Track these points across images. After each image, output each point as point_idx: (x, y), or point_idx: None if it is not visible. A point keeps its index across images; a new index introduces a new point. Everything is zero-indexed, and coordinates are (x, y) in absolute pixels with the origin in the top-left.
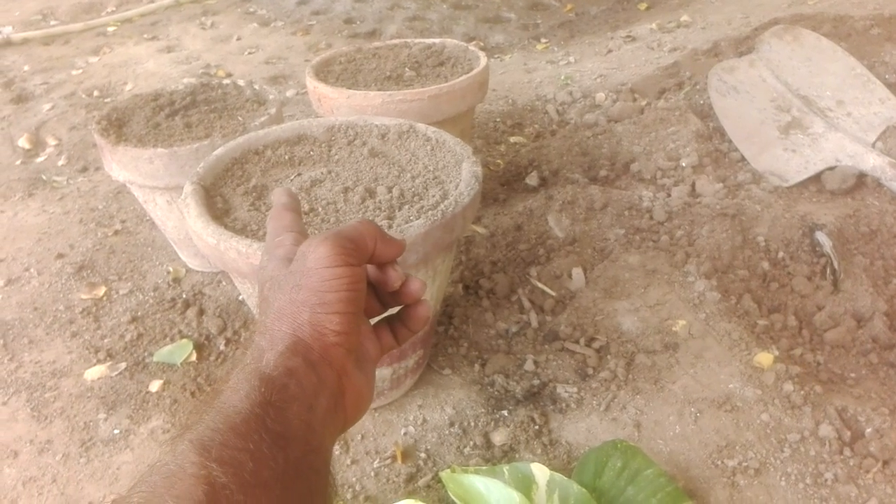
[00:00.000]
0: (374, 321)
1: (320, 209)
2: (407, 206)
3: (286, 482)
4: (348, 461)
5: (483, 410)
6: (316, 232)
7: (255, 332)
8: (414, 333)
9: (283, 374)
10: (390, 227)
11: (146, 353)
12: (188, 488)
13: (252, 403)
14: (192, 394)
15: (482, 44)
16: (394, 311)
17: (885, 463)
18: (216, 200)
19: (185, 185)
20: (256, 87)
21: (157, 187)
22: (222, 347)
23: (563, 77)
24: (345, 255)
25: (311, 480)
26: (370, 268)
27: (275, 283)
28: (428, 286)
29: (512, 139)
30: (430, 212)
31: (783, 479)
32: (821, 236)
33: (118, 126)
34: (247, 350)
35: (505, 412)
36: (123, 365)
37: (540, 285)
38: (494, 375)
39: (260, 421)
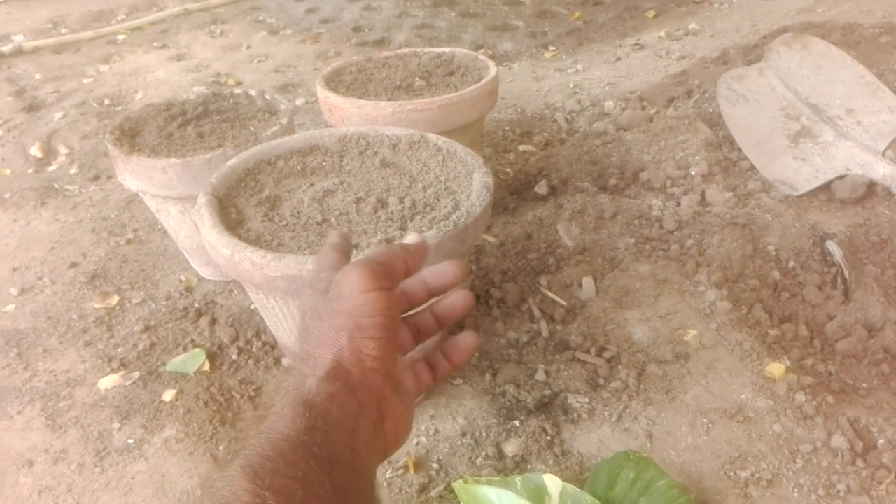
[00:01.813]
0: (409, 356)
1: (333, 220)
2: (419, 217)
3: None
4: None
5: (495, 421)
6: None
7: (296, 359)
8: (455, 369)
9: (326, 398)
10: (402, 237)
11: (159, 363)
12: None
13: (298, 430)
14: (206, 403)
15: (490, 52)
16: (426, 347)
17: None
18: (230, 211)
19: (198, 195)
20: (268, 96)
21: (169, 197)
22: (235, 357)
23: (571, 85)
24: (377, 279)
25: None
26: (424, 273)
27: (315, 312)
28: None
29: (521, 147)
30: (441, 222)
31: (796, 490)
32: (831, 246)
33: (131, 136)
34: (287, 376)
35: (517, 422)
36: (137, 374)
37: (550, 295)
38: (506, 385)
39: (307, 447)
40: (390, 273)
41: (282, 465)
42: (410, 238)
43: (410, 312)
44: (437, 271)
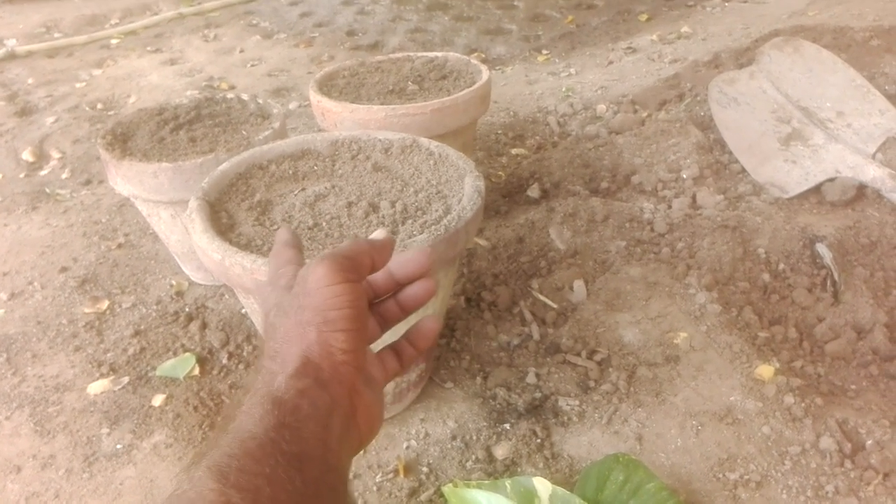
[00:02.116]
0: (376, 348)
1: (324, 224)
2: (410, 221)
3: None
4: (350, 475)
5: (485, 424)
6: (320, 247)
7: (264, 357)
8: (420, 353)
9: (295, 395)
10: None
11: (149, 367)
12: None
13: (266, 427)
14: (195, 408)
15: (483, 55)
16: (393, 336)
17: (886, 475)
18: (221, 216)
19: (189, 199)
20: (260, 101)
21: (161, 201)
22: (225, 361)
23: (564, 89)
24: (344, 272)
25: (329, 501)
26: (382, 274)
27: (279, 309)
28: (431, 301)
29: (513, 151)
30: (433, 226)
31: (784, 491)
32: (821, 248)
33: (123, 140)
34: (257, 375)
35: (507, 425)
36: (126, 379)
37: (541, 298)
38: (496, 388)
39: (275, 444)
40: (357, 267)
41: (248, 462)
42: (378, 234)
43: (376, 301)
44: (403, 260)
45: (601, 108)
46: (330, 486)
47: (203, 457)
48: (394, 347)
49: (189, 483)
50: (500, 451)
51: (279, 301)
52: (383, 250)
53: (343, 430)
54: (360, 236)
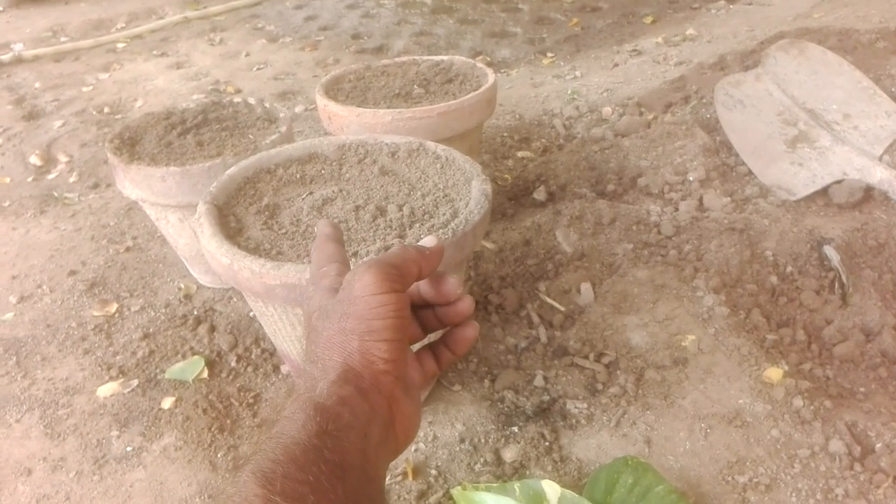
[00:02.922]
0: (415, 347)
1: None
2: (418, 225)
3: None
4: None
5: (493, 427)
6: None
7: (305, 361)
8: (458, 357)
9: (337, 402)
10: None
11: (158, 370)
12: None
13: (309, 434)
14: (205, 411)
15: (489, 58)
16: (435, 336)
17: None
18: (229, 220)
19: (197, 203)
20: (267, 105)
21: (169, 205)
22: (234, 364)
23: (569, 91)
24: (390, 282)
25: None
26: (422, 283)
27: (323, 313)
28: None
29: (519, 154)
30: (440, 230)
31: (794, 495)
32: (829, 250)
33: (131, 145)
34: (299, 379)
35: (515, 428)
36: (136, 382)
37: (549, 300)
38: (504, 391)
39: (318, 452)
40: (403, 275)
41: (293, 469)
42: (427, 241)
43: (419, 345)
44: (440, 286)
45: (607, 110)
46: (369, 497)
47: (248, 461)
48: (432, 348)
49: (234, 487)
50: (509, 454)
51: (322, 304)
52: (432, 258)
53: (381, 440)
54: (367, 240)
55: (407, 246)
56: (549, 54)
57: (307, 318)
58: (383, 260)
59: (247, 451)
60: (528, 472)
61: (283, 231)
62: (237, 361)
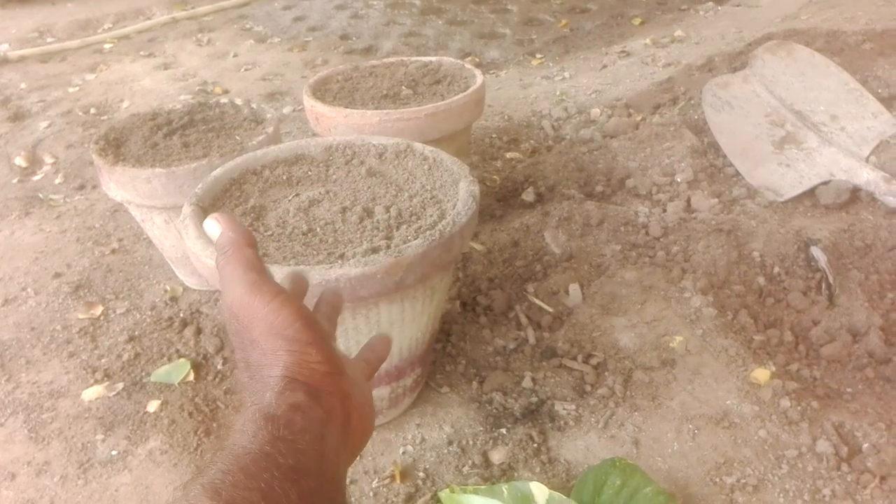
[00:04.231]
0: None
1: (318, 229)
2: (405, 226)
3: None
4: (346, 481)
5: (481, 429)
6: (314, 252)
7: (243, 373)
8: (383, 358)
9: (288, 409)
10: (388, 246)
11: (144, 373)
12: None
13: (261, 443)
14: (190, 414)
15: (478, 59)
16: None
17: (883, 478)
18: None
19: (182, 205)
20: (254, 105)
21: (154, 207)
22: (220, 367)
23: (558, 93)
24: (260, 291)
25: None
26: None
27: (239, 344)
28: (427, 305)
29: (508, 155)
30: (427, 231)
31: (781, 495)
32: (816, 251)
33: (116, 146)
34: (247, 393)
35: (503, 430)
36: (121, 385)
37: (537, 302)
38: (493, 393)
39: (270, 458)
40: (255, 265)
41: (242, 477)
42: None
43: None
44: (372, 347)
45: (595, 111)
46: (328, 498)
47: (199, 474)
48: (360, 356)
49: (184, 501)
50: (497, 456)
51: (236, 337)
52: (236, 229)
53: (339, 439)
54: (354, 242)
55: (223, 245)
56: (538, 55)
57: (236, 348)
58: (237, 273)
59: (199, 468)
60: (516, 474)
61: (269, 233)
62: (224, 364)
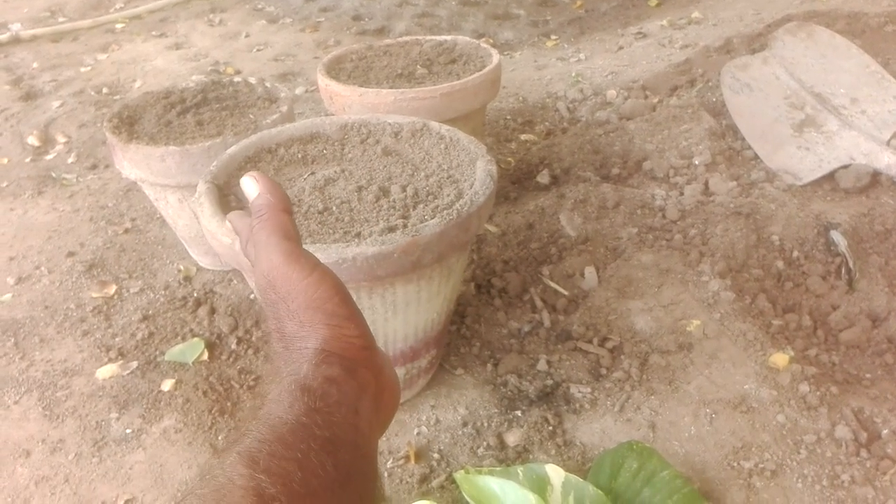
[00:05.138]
0: None
1: (334, 208)
2: (422, 206)
3: (335, 489)
4: (377, 454)
5: (496, 411)
6: (331, 231)
7: (285, 349)
8: None
9: (324, 382)
10: (405, 226)
11: (158, 352)
12: (237, 500)
13: (297, 413)
14: (205, 393)
15: (491, 41)
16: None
17: None
18: (230, 199)
19: (197, 183)
20: (268, 84)
21: (168, 185)
22: (234, 346)
23: (573, 74)
24: (296, 256)
25: (359, 485)
26: None
27: (272, 310)
28: (443, 285)
29: (523, 137)
30: (445, 211)
31: (799, 480)
32: (835, 235)
33: (129, 124)
34: (282, 363)
35: (518, 412)
36: (135, 364)
37: (552, 284)
38: (507, 375)
39: (307, 429)
40: (291, 231)
41: (280, 447)
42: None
43: None
44: None
45: (611, 93)
46: (361, 471)
47: (234, 442)
48: None
49: (220, 468)
50: (512, 438)
51: (269, 302)
52: (275, 192)
53: (372, 413)
54: (370, 221)
55: (258, 203)
56: (553, 37)
57: (268, 312)
58: (273, 239)
59: (233, 436)
60: (531, 457)
61: None
62: (238, 344)
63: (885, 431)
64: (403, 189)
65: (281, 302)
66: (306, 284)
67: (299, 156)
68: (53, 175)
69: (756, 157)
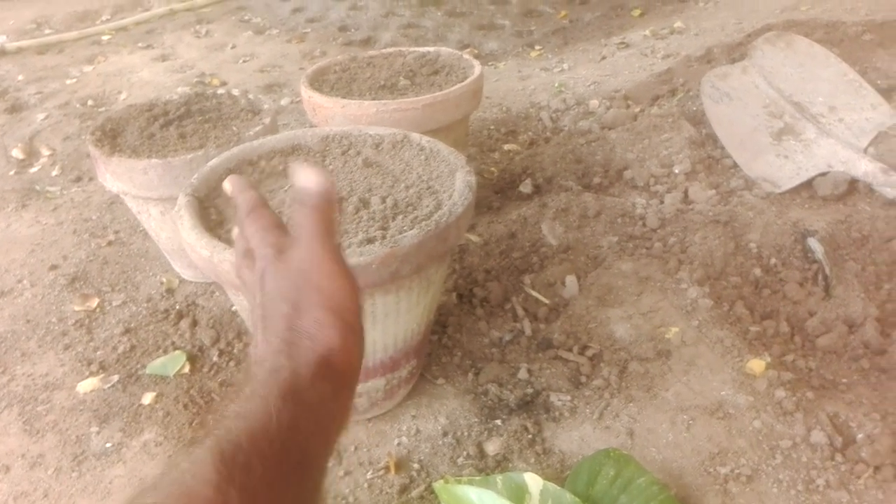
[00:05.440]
0: None
1: None
2: (401, 217)
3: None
4: (341, 472)
5: (476, 420)
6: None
7: (283, 343)
8: None
9: (316, 399)
10: (384, 237)
11: (139, 365)
12: (202, 496)
13: (280, 426)
14: (185, 406)
15: (476, 51)
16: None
17: (877, 468)
18: (210, 212)
19: (178, 196)
20: (251, 96)
21: (150, 198)
22: (216, 359)
23: (556, 84)
24: (339, 256)
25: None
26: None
27: (279, 294)
28: (422, 296)
29: (506, 147)
30: (423, 222)
31: (775, 485)
32: (813, 242)
33: (112, 136)
34: (280, 357)
35: (498, 421)
36: (116, 377)
37: (534, 293)
38: (488, 384)
39: (285, 449)
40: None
41: (256, 461)
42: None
43: None
44: None
45: (594, 103)
46: (318, 489)
47: (209, 433)
48: None
49: (189, 462)
50: (492, 447)
51: (278, 284)
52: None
53: (344, 420)
54: (349, 233)
55: (301, 204)
56: (537, 47)
57: (256, 305)
58: (321, 228)
59: (211, 422)
60: (510, 465)
61: None
62: (219, 356)
63: (859, 436)
64: (383, 200)
65: (308, 291)
66: (341, 287)
67: (280, 168)
68: (37, 188)
69: (735, 165)
